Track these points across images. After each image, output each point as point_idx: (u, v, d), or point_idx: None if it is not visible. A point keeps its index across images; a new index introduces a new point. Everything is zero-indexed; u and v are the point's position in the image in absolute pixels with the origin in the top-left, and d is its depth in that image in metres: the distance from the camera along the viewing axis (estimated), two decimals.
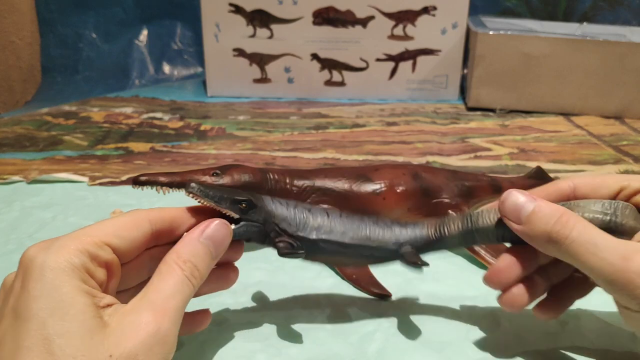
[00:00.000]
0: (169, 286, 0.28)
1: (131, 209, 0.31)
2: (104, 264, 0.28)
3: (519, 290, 0.33)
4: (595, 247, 0.29)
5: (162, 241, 0.31)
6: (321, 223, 0.34)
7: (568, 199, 0.34)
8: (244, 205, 0.32)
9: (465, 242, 0.35)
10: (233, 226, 0.32)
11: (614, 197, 0.33)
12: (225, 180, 0.44)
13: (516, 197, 0.32)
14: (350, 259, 0.35)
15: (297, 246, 0.33)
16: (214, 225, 0.30)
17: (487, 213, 0.34)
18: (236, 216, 0.32)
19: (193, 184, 0.31)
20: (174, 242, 0.30)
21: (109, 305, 0.26)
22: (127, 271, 0.30)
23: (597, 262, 0.29)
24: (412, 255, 0.34)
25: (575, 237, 0.29)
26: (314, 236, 0.33)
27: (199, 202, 0.31)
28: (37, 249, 0.26)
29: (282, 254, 0.33)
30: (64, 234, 0.28)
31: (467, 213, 0.35)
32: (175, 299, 0.27)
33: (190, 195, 0.31)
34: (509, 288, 0.33)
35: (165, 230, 0.31)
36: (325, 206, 0.35)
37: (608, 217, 0.32)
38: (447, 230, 0.35)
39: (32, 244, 0.27)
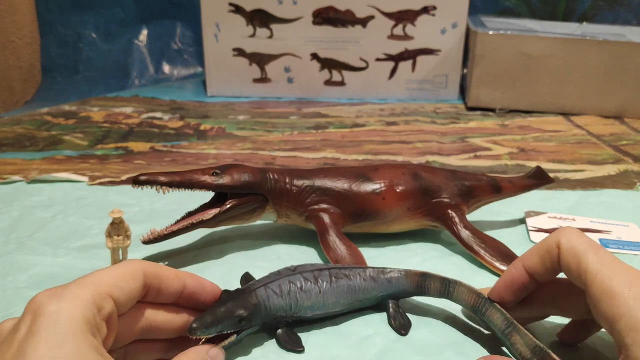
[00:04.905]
0: None
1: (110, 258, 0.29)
2: (107, 317, 0.27)
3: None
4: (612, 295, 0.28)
5: (147, 299, 0.30)
6: (315, 301, 0.36)
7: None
8: (244, 322, 0.32)
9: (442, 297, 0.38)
10: (235, 337, 0.32)
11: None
12: (225, 180, 0.44)
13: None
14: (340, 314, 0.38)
15: (295, 339, 0.36)
16: (218, 349, 0.31)
17: (463, 290, 0.36)
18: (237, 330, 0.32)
19: (194, 325, 0.30)
20: (156, 302, 0.31)
21: None
22: (120, 327, 0.29)
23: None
24: (400, 326, 0.37)
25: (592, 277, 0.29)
26: (309, 315, 0.36)
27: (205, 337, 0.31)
28: (48, 296, 0.25)
29: (284, 347, 0.35)
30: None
31: (446, 281, 0.37)
32: None
33: (196, 338, 0.30)
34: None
35: (155, 287, 0.30)
36: (317, 265, 0.38)
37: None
38: (427, 289, 0.38)
39: (42, 292, 0.26)
